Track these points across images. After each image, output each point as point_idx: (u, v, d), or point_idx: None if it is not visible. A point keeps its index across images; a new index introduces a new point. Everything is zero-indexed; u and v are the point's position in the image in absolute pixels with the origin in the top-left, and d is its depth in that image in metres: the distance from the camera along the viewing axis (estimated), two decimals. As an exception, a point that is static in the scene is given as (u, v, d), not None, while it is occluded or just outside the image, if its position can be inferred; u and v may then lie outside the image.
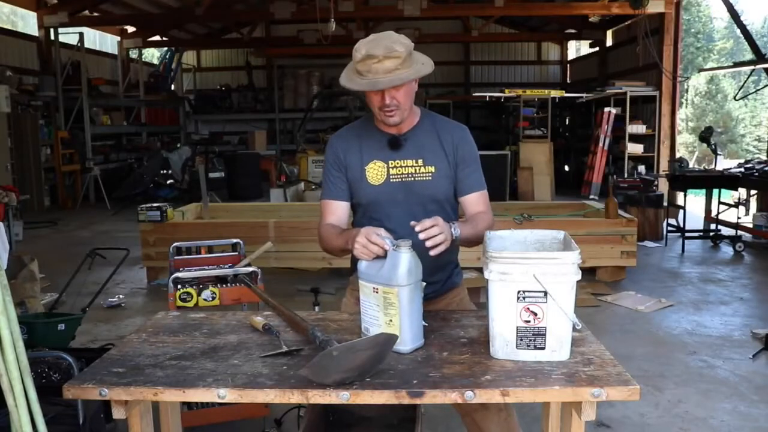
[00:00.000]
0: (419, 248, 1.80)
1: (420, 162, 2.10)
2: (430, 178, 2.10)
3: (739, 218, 8.08)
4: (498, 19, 16.29)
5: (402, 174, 2.10)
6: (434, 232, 1.80)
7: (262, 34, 17.47)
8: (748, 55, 13.63)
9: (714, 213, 8.42)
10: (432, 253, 1.80)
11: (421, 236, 1.79)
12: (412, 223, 1.82)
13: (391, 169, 2.11)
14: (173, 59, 16.79)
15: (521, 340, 1.69)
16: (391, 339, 1.65)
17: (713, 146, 8.68)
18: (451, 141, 2.13)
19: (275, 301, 2.23)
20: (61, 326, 3.65)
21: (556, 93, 13.57)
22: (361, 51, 1.92)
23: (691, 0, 27.85)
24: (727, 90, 27.66)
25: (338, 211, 2.16)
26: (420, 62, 2.00)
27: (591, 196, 10.86)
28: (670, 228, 8.18)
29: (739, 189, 8.26)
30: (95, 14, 13.81)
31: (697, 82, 27.68)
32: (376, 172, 2.12)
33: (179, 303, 2.89)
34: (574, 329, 1.70)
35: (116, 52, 15.93)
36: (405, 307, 1.75)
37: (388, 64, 1.91)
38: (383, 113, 2.03)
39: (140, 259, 6.41)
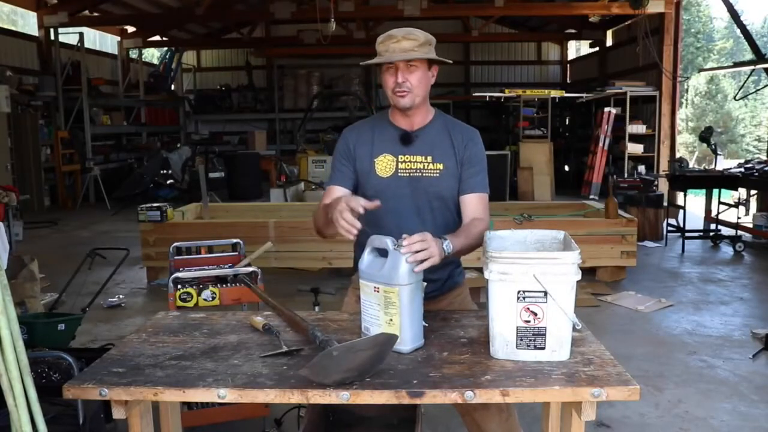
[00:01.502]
0: None
1: (429, 159, 2.13)
2: (437, 175, 2.12)
3: (739, 218, 8.08)
4: (498, 19, 16.29)
5: (410, 169, 2.13)
6: (416, 248, 1.76)
7: (262, 34, 17.46)
8: (748, 55, 13.63)
9: (714, 213, 8.42)
10: (415, 270, 1.76)
11: (403, 251, 1.75)
12: (404, 236, 1.79)
13: (400, 163, 2.14)
14: (173, 59, 16.79)
15: (521, 340, 1.69)
16: (391, 339, 1.65)
17: (713, 146, 8.68)
18: (462, 141, 2.16)
19: (275, 301, 2.23)
20: (61, 326, 3.65)
21: (556, 93, 13.57)
22: (382, 36, 2.06)
23: (691, 0, 27.84)
24: (727, 90, 27.65)
25: (336, 194, 2.16)
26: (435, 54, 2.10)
27: (591, 196, 10.85)
28: (670, 228, 8.18)
29: (739, 189, 8.26)
30: (95, 14, 13.81)
31: (697, 82, 27.67)
32: (385, 164, 2.14)
33: (179, 303, 2.89)
34: (574, 329, 1.70)
35: (116, 52, 15.93)
36: (405, 306, 1.76)
37: (405, 44, 2.03)
38: (395, 95, 2.07)
39: (140, 259, 6.41)
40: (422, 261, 1.76)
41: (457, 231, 2.06)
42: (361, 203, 1.84)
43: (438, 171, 2.12)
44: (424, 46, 2.04)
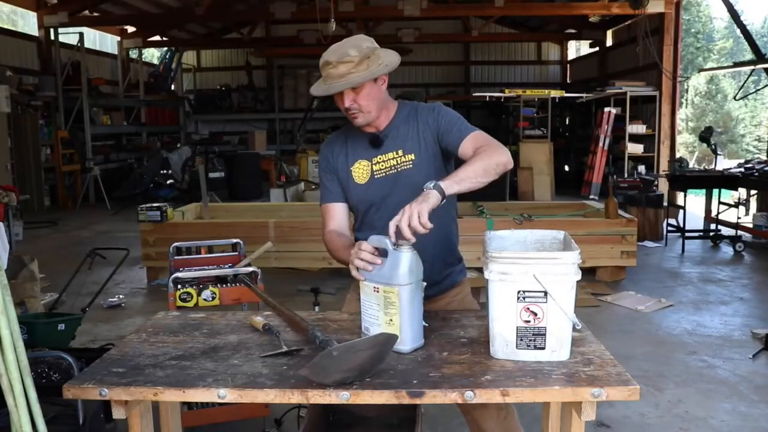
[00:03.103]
0: (419, 247, 1.80)
1: (400, 152, 2.13)
2: (411, 166, 2.11)
3: (739, 218, 8.08)
4: (498, 19, 16.28)
5: (385, 168, 2.13)
6: (405, 226, 1.71)
7: (262, 34, 17.46)
8: (748, 55, 13.63)
9: (714, 213, 8.42)
10: (423, 232, 1.72)
11: (406, 247, 1.74)
12: (390, 239, 1.77)
13: (374, 166, 2.14)
14: (173, 59, 16.79)
15: (521, 340, 1.69)
16: (391, 339, 1.65)
17: (713, 146, 8.68)
18: (429, 120, 2.12)
19: (275, 301, 2.23)
20: (61, 326, 3.66)
21: (556, 93, 13.56)
22: (321, 59, 2.01)
23: (691, 0, 27.84)
24: (727, 90, 27.65)
25: (337, 214, 2.21)
26: (378, 63, 2.00)
27: (591, 196, 10.85)
28: (670, 228, 8.18)
29: (739, 189, 8.26)
30: (95, 14, 13.81)
31: (697, 82, 27.67)
32: (361, 171, 2.16)
33: (179, 303, 2.89)
34: (574, 329, 1.70)
35: (116, 52, 15.93)
36: (405, 306, 1.76)
37: (342, 69, 1.97)
38: (349, 116, 2.08)
39: (140, 259, 6.41)
40: (420, 225, 1.72)
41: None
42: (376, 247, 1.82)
43: (410, 162, 2.11)
44: (361, 64, 1.96)
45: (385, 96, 2.12)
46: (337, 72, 1.97)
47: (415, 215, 1.72)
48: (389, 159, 2.13)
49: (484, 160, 1.90)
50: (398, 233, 1.76)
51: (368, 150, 2.15)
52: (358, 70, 1.97)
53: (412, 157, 2.11)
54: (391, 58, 2.06)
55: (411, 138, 2.13)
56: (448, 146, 2.08)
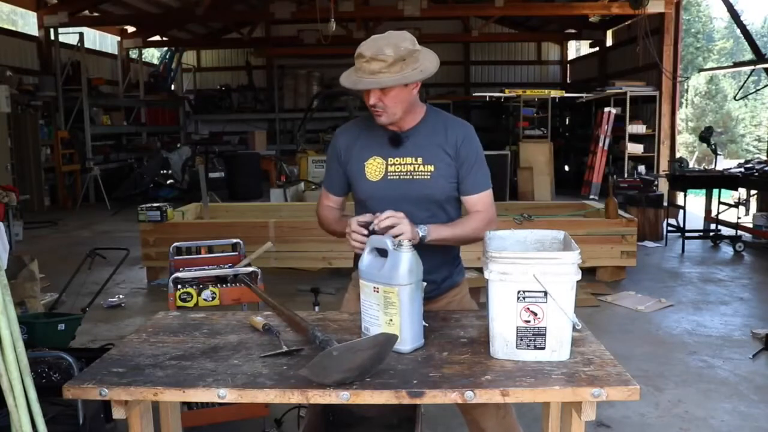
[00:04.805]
0: (420, 247, 1.81)
1: (419, 160, 2.09)
2: (428, 177, 2.08)
3: (739, 218, 8.08)
4: (498, 19, 16.28)
5: (400, 171, 2.10)
6: (386, 223, 1.86)
7: (262, 34, 17.46)
8: (748, 55, 13.62)
9: (714, 213, 8.42)
10: (385, 241, 1.83)
11: (374, 224, 1.88)
12: (377, 214, 1.91)
13: (389, 166, 2.11)
14: (173, 59, 16.79)
15: (521, 340, 1.69)
16: (391, 339, 1.65)
17: (713, 146, 8.68)
18: (455, 140, 2.10)
19: (275, 301, 2.23)
20: (61, 326, 3.66)
21: (556, 93, 13.56)
22: (358, 49, 1.97)
23: (691, 0, 27.83)
24: (727, 90, 27.63)
25: (335, 203, 2.29)
26: (413, 68, 1.95)
27: (591, 196, 10.85)
28: (670, 228, 8.18)
29: (739, 189, 8.26)
30: (95, 14, 13.81)
31: (697, 82, 27.65)
32: (374, 168, 2.12)
33: (179, 303, 2.89)
34: (574, 329, 1.70)
35: (116, 52, 15.93)
36: (405, 306, 1.76)
37: (374, 66, 1.91)
38: (373, 112, 2.05)
39: (140, 259, 6.41)
40: (397, 236, 1.84)
41: (449, 222, 2.11)
42: (363, 221, 1.94)
43: (429, 173, 2.08)
44: (394, 66, 1.90)
45: (414, 99, 2.07)
46: (369, 68, 1.91)
47: (398, 230, 1.85)
48: (406, 164, 2.09)
49: (469, 233, 2.09)
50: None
51: (385, 148, 2.11)
52: (390, 71, 1.91)
53: (431, 168, 2.08)
54: (428, 64, 2.00)
55: (432, 149, 2.09)
56: (459, 186, 2.14)
